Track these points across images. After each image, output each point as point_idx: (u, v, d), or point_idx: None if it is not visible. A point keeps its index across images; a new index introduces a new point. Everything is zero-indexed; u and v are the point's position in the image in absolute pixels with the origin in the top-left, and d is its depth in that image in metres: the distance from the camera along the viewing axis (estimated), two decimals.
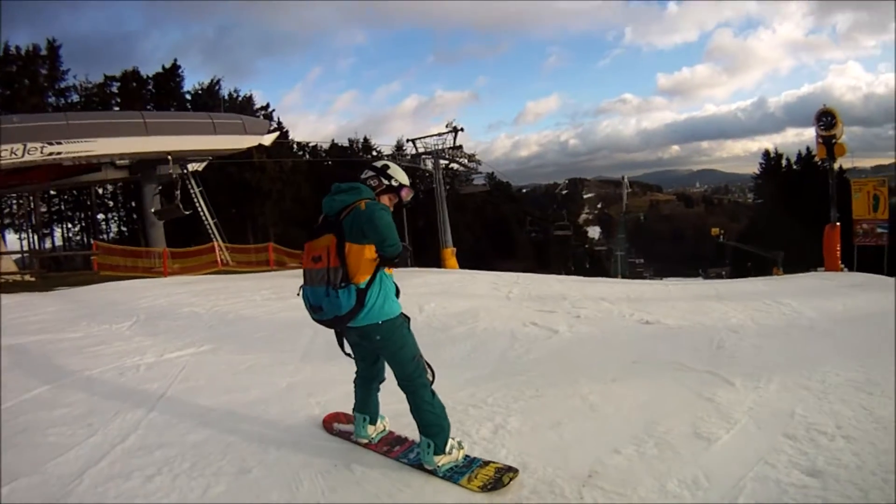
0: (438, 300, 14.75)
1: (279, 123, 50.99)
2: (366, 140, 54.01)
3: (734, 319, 11.95)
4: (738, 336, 10.48)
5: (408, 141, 39.98)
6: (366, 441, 5.59)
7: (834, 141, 23.76)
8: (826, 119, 23.69)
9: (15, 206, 44.34)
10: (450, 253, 37.98)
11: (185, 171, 32.02)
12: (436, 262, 38.00)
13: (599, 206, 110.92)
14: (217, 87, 47.77)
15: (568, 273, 58.06)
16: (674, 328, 11.35)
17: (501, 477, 5.06)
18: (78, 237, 49.98)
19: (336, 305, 4.67)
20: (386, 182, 5.11)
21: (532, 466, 5.55)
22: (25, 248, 42.06)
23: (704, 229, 76.12)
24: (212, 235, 32.35)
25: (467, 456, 5.35)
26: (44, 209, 46.73)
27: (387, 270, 5.10)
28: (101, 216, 50.73)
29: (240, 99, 49.28)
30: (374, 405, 5.66)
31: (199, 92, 46.58)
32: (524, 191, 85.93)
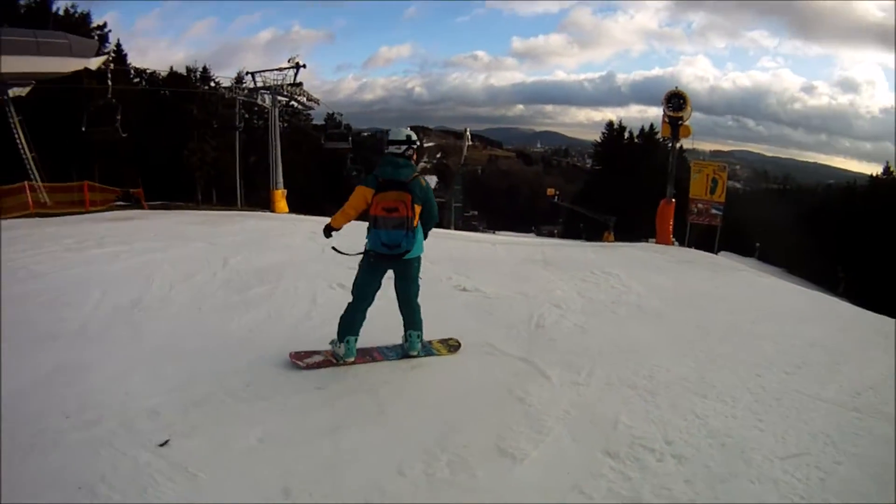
0: (248, 251, 13.57)
1: (118, 46, 47.27)
2: (204, 70, 50.42)
3: (559, 291, 11.17)
4: (561, 312, 9.66)
5: (247, 73, 37.18)
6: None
7: (680, 122, 24.04)
8: (676, 101, 23.90)
9: None
10: (280, 195, 35.69)
11: (5, 96, 28.04)
12: (267, 203, 36.75)
13: (438, 155, 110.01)
14: (50, 1, 43.11)
15: None
16: (492, 298, 10.41)
17: (451, 344, 7.67)
18: None
19: (409, 242, 6.52)
20: (414, 148, 6.73)
21: (295, 492, 4.44)
22: None
23: (541, 189, 77.25)
24: (30, 172, 28.40)
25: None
26: None
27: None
28: None
29: (75, 16, 44.62)
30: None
31: (34, 4, 41.99)
32: (364, 134, 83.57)
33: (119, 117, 30.78)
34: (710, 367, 7.35)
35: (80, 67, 29.77)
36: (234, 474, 4.66)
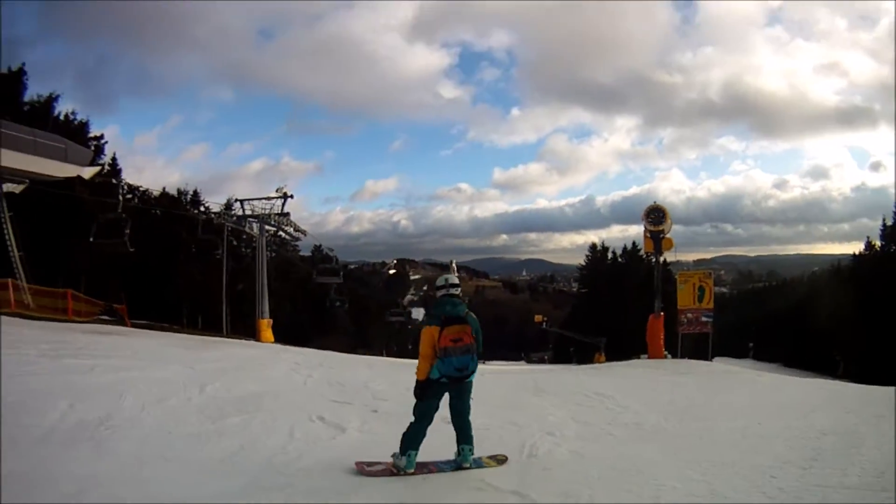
0: (227, 379, 12.91)
1: (114, 160, 47.03)
2: (195, 194, 50.46)
3: (551, 418, 10.59)
4: (555, 439, 9.02)
5: (236, 201, 37.14)
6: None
7: (662, 235, 24.26)
8: (655, 215, 24.27)
9: None
10: (265, 324, 35.09)
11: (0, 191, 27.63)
12: (253, 331, 35.96)
13: (425, 287, 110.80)
14: (53, 103, 42.78)
15: (389, 354, 57.05)
16: (481, 429, 9.55)
17: (499, 458, 8.01)
18: None
19: (475, 365, 7.32)
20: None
21: None
22: None
23: (529, 315, 77.26)
24: (15, 270, 27.28)
25: None
26: None
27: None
28: None
29: (74, 123, 44.44)
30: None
31: (36, 105, 41.80)
32: (351, 267, 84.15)
33: (128, 231, 30.22)
34: (720, 478, 6.76)
35: (74, 174, 29.26)
36: None
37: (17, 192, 28.75)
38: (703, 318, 23.75)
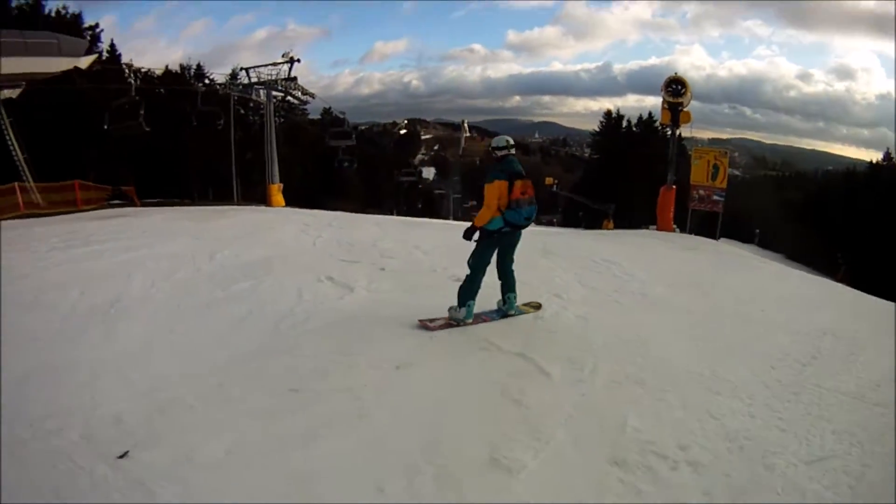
0: (237, 245, 13.02)
1: (112, 46, 46.91)
2: (199, 67, 49.63)
3: (558, 280, 10.58)
4: (561, 302, 9.03)
5: (241, 69, 36.33)
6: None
7: (680, 108, 23.54)
8: (675, 87, 23.39)
9: None
10: (276, 189, 34.85)
11: None
12: (265, 198, 35.50)
13: (436, 147, 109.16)
14: (41, 2, 42.15)
15: (399, 213, 57.39)
16: (486, 287, 9.64)
17: (533, 305, 8.67)
18: None
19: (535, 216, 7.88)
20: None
21: None
22: None
23: (540, 178, 76.25)
24: (21, 173, 27.69)
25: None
26: None
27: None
28: None
29: (67, 17, 43.70)
30: None
31: (25, 7, 41.11)
32: (362, 128, 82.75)
33: (142, 112, 30.36)
34: (721, 360, 6.81)
35: (70, 67, 29.18)
36: (195, 491, 4.11)
37: (14, 96, 28.53)
38: (715, 197, 23.34)
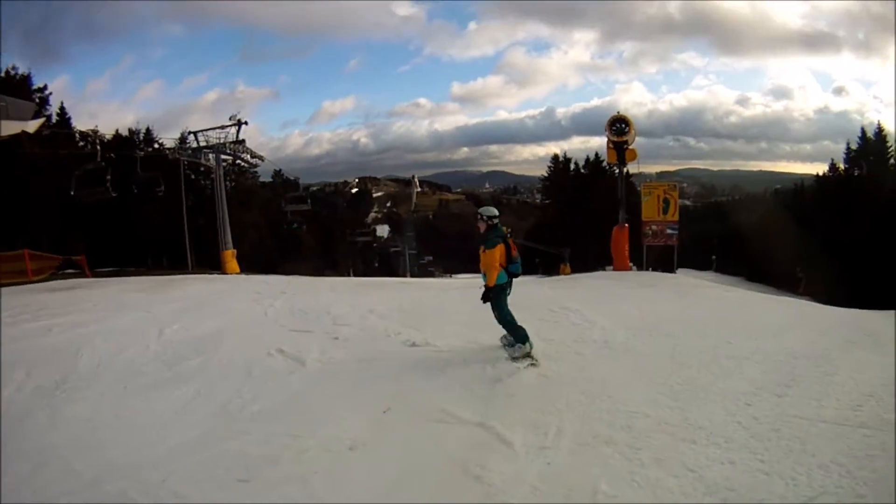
0: (187, 319, 12.58)
1: (62, 109, 45.54)
2: (147, 132, 49.01)
3: None
4: (518, 362, 8.60)
5: (189, 133, 35.80)
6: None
7: (625, 146, 23.39)
8: (619, 125, 23.26)
9: None
10: (230, 255, 33.71)
11: None
12: (219, 264, 34.19)
13: (388, 204, 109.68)
14: None
15: (357, 273, 57.25)
16: (444, 351, 9.42)
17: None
18: None
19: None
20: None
21: None
22: None
23: None
24: None
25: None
26: None
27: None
28: None
29: (16, 77, 42.82)
30: None
31: None
32: (313, 189, 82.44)
33: (109, 178, 29.68)
34: (693, 404, 6.47)
35: (18, 131, 27.65)
36: None
37: None
38: (669, 231, 22.98)
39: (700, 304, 12.92)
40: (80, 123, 47.35)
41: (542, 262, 57.01)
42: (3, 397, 7.96)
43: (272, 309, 13.94)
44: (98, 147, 32.16)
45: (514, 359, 8.61)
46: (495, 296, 8.90)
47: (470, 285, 16.10)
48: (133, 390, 8.28)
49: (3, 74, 40.73)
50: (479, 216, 9.13)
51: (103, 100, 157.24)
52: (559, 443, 5.69)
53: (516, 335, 8.84)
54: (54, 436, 6.74)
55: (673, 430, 5.80)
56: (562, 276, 27.41)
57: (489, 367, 8.36)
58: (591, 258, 39.86)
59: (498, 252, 8.75)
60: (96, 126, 40.63)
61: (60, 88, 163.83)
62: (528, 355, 8.62)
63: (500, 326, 9.04)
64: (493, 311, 8.99)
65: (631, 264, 23.11)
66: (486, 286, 8.86)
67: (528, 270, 56.46)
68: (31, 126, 28.17)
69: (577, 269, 40.77)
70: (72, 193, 30.28)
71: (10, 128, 26.00)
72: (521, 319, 9.80)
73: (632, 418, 6.12)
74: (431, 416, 6.65)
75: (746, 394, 6.69)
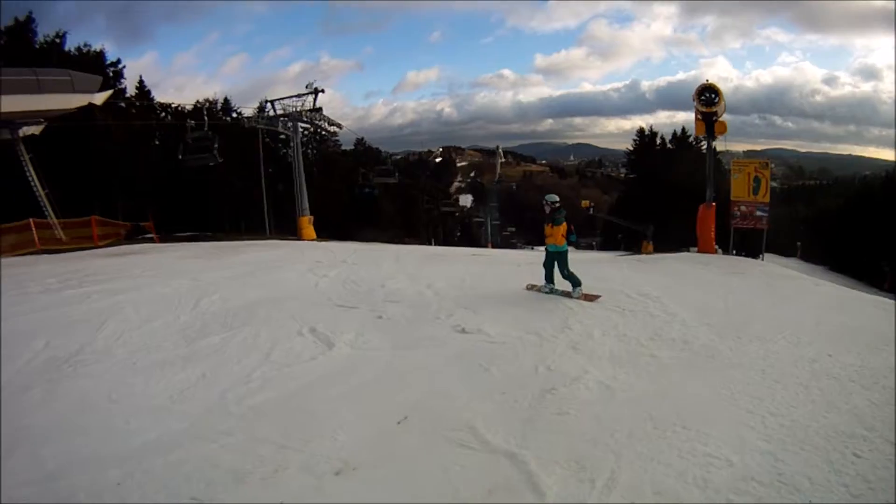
0: (230, 289, 12.05)
1: (140, 83, 45.01)
2: (226, 101, 48.77)
3: (582, 326, 8.71)
4: (581, 361, 7.07)
5: (267, 102, 35.52)
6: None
7: (714, 118, 21.17)
8: (708, 95, 20.90)
9: None
10: (306, 221, 33.86)
11: (16, 135, 26.55)
12: (296, 230, 34.22)
13: (472, 174, 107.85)
14: (61, 41, 41.68)
15: (437, 242, 56.01)
16: (495, 342, 8.00)
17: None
18: None
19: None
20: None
21: None
22: None
23: (577, 201, 74.15)
24: (43, 209, 26.58)
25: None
26: None
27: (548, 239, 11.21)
28: None
29: (90, 54, 43.08)
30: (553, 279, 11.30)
31: (45, 45, 40.61)
32: (397, 157, 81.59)
33: (216, 145, 30.39)
34: (789, 448, 4.84)
35: (85, 103, 28.30)
36: None
37: (36, 133, 28.14)
38: (759, 213, 20.54)
39: (791, 301, 11.11)
40: (167, 97, 47.89)
41: (625, 238, 54.97)
42: (13, 369, 7.51)
43: (325, 280, 13.17)
44: (206, 118, 32.76)
45: (577, 298, 10.73)
46: (563, 257, 11.08)
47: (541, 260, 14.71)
48: (141, 368, 7.50)
49: (74, 51, 41.47)
50: (544, 201, 11.48)
51: (189, 74, 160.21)
52: (607, 497, 4.16)
53: (574, 282, 11.01)
54: (39, 416, 6.12)
55: (762, 492, 4.21)
56: (643, 256, 25.23)
57: (543, 367, 6.87)
58: (675, 237, 37.73)
59: (563, 227, 11.02)
60: (206, 99, 41.84)
61: (148, 65, 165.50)
62: (579, 289, 10.95)
63: (564, 279, 11.02)
64: (561, 269, 11.05)
65: (717, 247, 20.94)
66: (550, 252, 11.20)
67: (611, 246, 54.92)
68: (99, 98, 29.12)
69: (660, 247, 38.71)
70: (179, 158, 31.17)
71: (77, 100, 27.19)
72: (593, 307, 10.00)
73: (710, 467, 4.48)
74: (453, 434, 5.23)
75: (854, 437, 5.00)
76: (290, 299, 11.04)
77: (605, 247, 60.96)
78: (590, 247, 64.89)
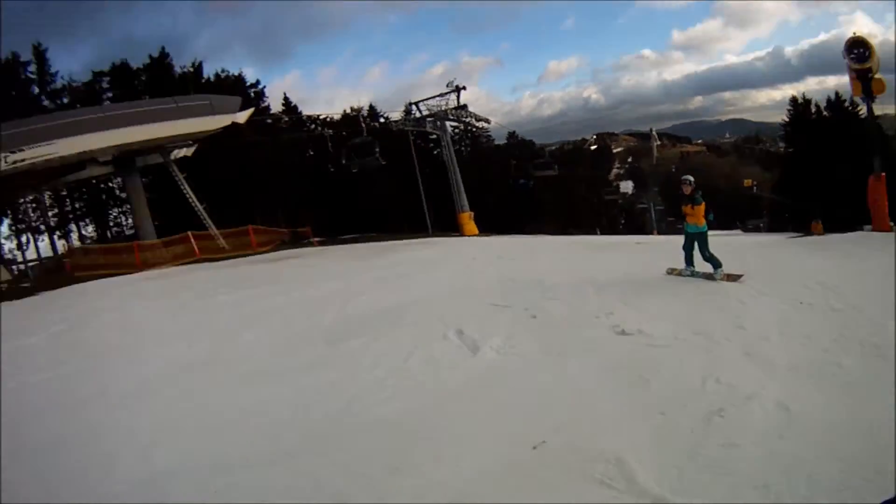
0: (379, 291, 12.07)
1: (286, 100, 47.90)
2: (371, 108, 49.75)
3: (757, 324, 7.42)
4: (757, 373, 5.84)
5: (411, 104, 36.58)
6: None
7: (870, 75, 18.19)
8: (858, 50, 18.01)
9: (30, 211, 41.62)
10: (467, 217, 34.56)
11: (167, 158, 29.33)
12: (457, 226, 35.24)
13: (629, 160, 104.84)
14: (198, 70, 44.06)
15: (602, 231, 54.09)
16: (658, 345, 6.92)
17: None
18: (93, 234, 46.98)
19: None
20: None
21: None
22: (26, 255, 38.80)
23: (737, 180, 70.25)
24: (204, 222, 29.13)
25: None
26: (55, 211, 42.76)
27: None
28: (115, 211, 47.07)
29: (230, 78, 45.17)
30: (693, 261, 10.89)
31: (184, 75, 42.93)
32: (551, 149, 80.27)
33: (377, 150, 32.00)
34: None
35: (228, 123, 29.73)
36: None
37: (189, 154, 31.10)
38: None
39: None
40: (316, 110, 50.01)
41: (792, 218, 51.44)
42: (151, 369, 8.02)
43: (480, 277, 12.72)
44: (363, 125, 34.77)
45: (718, 279, 10.39)
46: (703, 238, 10.70)
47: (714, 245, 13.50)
48: (271, 373, 7.50)
49: (212, 78, 44.62)
50: (683, 181, 11.23)
51: (334, 86, 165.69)
52: None
53: (715, 263, 10.55)
54: (165, 416, 6.35)
55: None
56: (814, 237, 22.63)
57: (711, 380, 5.67)
58: (842, 213, 34.78)
59: (703, 207, 10.68)
60: (361, 107, 44.66)
61: (294, 82, 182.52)
62: (720, 270, 10.54)
63: (705, 261, 10.63)
64: (701, 250, 10.65)
65: (892, 223, 17.55)
66: (690, 234, 10.85)
67: (778, 227, 51.64)
68: (241, 117, 30.69)
69: (829, 226, 35.85)
70: (343, 163, 33.53)
71: (219, 121, 28.89)
72: (765, 298, 8.73)
73: None
74: (596, 468, 4.25)
75: None
76: (441, 299, 10.63)
77: (772, 228, 57.24)
78: (757, 229, 61.21)
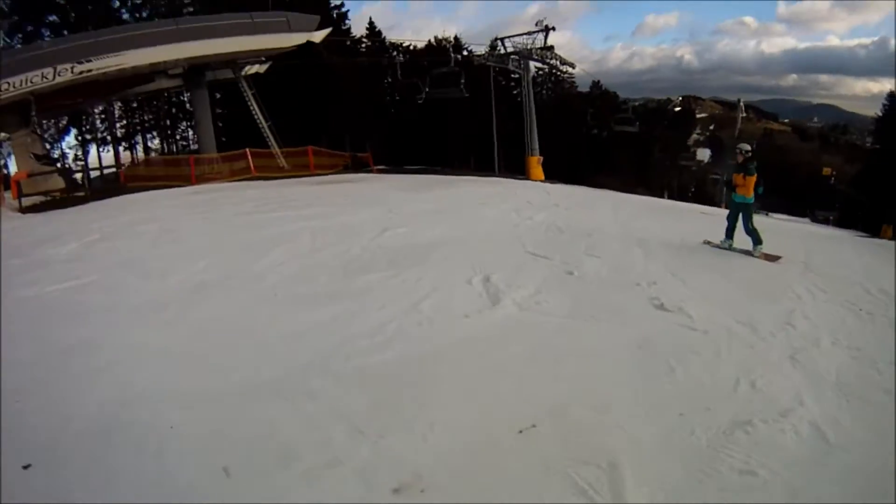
0: (419, 223, 11.76)
1: (371, 23, 47.02)
2: (456, 40, 48.61)
3: (805, 322, 6.63)
4: (800, 379, 5.06)
5: (496, 40, 35.51)
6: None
7: None
8: None
9: (98, 122, 43.31)
10: (535, 162, 33.25)
11: (238, 74, 29.12)
12: (524, 168, 33.89)
13: (711, 127, 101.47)
14: None
15: (670, 196, 52.12)
16: (696, 328, 6.13)
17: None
18: (158, 147, 46.37)
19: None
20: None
21: None
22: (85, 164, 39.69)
23: (817, 168, 67.83)
24: (267, 139, 29.06)
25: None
26: (123, 122, 44.70)
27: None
28: (183, 125, 47.47)
29: None
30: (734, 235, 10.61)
31: None
32: (634, 104, 78.12)
33: (463, 80, 31.92)
34: None
35: (302, 41, 29.38)
36: None
37: (261, 71, 31.00)
38: None
39: None
40: (404, 37, 49.63)
41: (865, 217, 49.16)
42: (165, 286, 7.79)
43: (529, 222, 12.21)
44: (452, 54, 34.37)
45: (756, 256, 10.18)
46: (749, 209, 10.48)
47: (779, 230, 12.46)
48: (280, 299, 7.17)
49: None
50: (737, 150, 10.88)
51: (426, 17, 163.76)
52: None
53: (756, 239, 10.36)
54: (158, 335, 6.04)
55: None
56: (883, 241, 21.23)
57: (746, 382, 4.88)
58: None
59: (755, 179, 10.38)
60: (450, 37, 44.50)
61: (385, 9, 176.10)
62: (760, 247, 10.33)
63: (746, 234, 10.38)
64: (745, 223, 10.42)
65: None
66: (736, 203, 10.66)
67: (847, 223, 49.67)
68: (318, 36, 30.26)
69: None
70: (426, 90, 32.98)
71: (295, 39, 28.94)
72: (826, 294, 7.84)
73: None
74: (581, 470, 3.59)
75: None
76: (479, 240, 10.16)
77: (842, 223, 55.02)
78: (826, 221, 59.05)
